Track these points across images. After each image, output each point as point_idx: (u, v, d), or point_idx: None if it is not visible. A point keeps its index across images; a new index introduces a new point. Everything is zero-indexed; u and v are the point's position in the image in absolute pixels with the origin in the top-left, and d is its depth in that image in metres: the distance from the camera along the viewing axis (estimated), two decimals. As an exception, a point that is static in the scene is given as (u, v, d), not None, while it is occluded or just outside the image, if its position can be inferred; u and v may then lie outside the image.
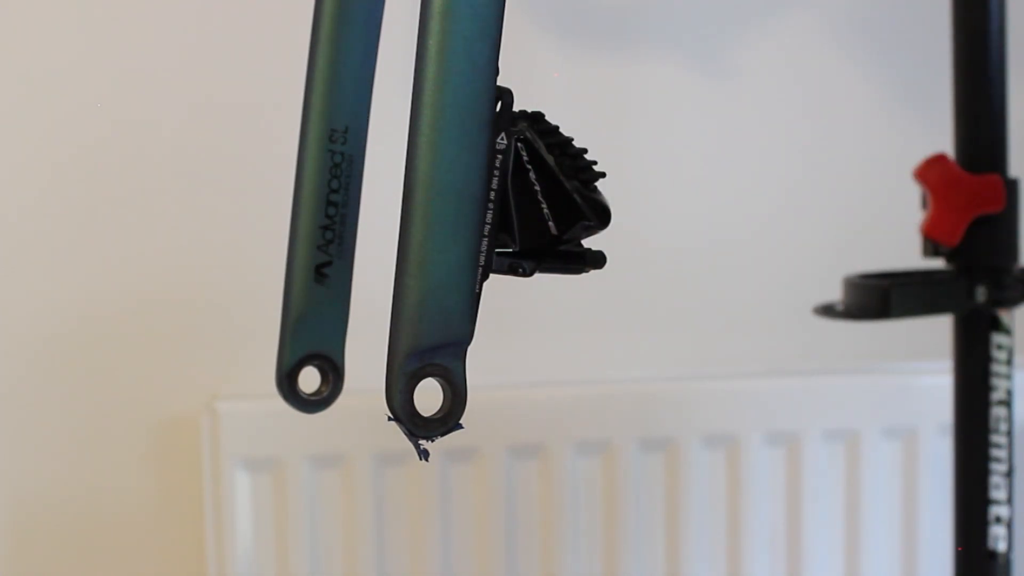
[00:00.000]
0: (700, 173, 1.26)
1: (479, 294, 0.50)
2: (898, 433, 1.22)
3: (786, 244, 1.28)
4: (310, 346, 0.65)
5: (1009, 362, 0.96)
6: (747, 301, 1.28)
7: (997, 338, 0.95)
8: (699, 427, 1.19)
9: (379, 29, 0.64)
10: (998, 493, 0.96)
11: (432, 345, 0.49)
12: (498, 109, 0.50)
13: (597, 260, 0.53)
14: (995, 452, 0.96)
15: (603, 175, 0.53)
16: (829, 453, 1.21)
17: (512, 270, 0.53)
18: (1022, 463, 1.02)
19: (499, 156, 0.50)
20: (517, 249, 0.52)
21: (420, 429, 0.49)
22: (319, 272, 0.64)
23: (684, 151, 1.26)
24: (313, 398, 0.66)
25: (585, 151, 0.52)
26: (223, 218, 1.16)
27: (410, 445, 0.50)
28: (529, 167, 0.51)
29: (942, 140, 0.94)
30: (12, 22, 1.13)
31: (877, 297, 0.95)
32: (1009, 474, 0.96)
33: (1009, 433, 0.96)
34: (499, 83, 0.49)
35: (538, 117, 0.52)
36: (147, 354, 1.16)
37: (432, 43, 0.48)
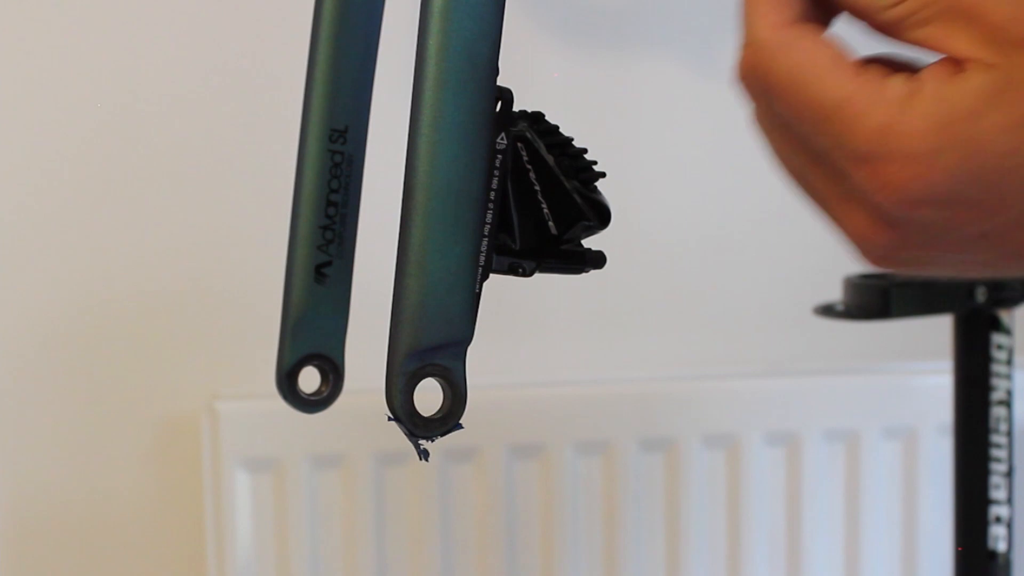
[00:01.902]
0: (700, 172, 1.26)
1: (479, 294, 0.50)
2: (898, 433, 1.22)
3: (786, 243, 1.28)
4: (310, 346, 0.65)
5: (1009, 362, 0.96)
6: (747, 301, 1.28)
7: (997, 338, 0.96)
8: (699, 427, 1.19)
9: (379, 29, 0.64)
10: (998, 493, 0.96)
11: (432, 345, 0.48)
12: (498, 109, 0.50)
13: (597, 260, 0.53)
14: (995, 452, 0.96)
15: (603, 175, 0.53)
16: (829, 453, 1.21)
17: (512, 270, 0.53)
18: (1022, 463, 1.02)
19: (499, 156, 0.50)
20: (517, 249, 0.52)
21: (420, 429, 0.49)
22: (319, 272, 0.64)
23: (684, 151, 1.25)
24: (313, 398, 0.65)
25: (585, 151, 0.52)
26: (223, 218, 1.16)
27: (410, 445, 0.50)
28: (529, 167, 0.51)
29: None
30: (10, 20, 1.13)
31: (877, 297, 0.95)
32: (1009, 474, 0.96)
33: (1009, 433, 0.96)
34: (499, 83, 0.49)
35: (538, 117, 0.52)
36: (147, 354, 1.16)
37: (432, 43, 0.48)
